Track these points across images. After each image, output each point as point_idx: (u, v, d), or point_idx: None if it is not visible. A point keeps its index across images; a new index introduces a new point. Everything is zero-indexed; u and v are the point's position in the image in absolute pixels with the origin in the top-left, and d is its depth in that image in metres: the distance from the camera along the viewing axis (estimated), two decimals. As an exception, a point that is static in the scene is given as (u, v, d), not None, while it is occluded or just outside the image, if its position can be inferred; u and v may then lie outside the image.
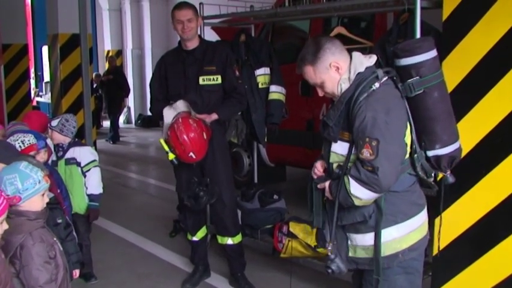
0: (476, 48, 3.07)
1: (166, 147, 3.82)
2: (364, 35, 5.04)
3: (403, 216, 2.53)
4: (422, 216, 2.62)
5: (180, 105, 3.90)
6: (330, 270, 2.58)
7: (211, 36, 5.57)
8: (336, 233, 2.65)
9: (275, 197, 4.73)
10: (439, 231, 2.98)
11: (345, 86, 2.52)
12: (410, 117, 2.52)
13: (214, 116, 3.95)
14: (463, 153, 3.12)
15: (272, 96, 4.76)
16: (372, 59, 2.56)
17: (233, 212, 4.27)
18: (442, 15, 3.20)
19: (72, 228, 3.34)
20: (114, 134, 11.96)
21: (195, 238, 4.33)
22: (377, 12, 4.80)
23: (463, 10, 3.10)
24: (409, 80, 2.48)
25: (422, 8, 3.24)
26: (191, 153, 3.74)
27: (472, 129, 3.12)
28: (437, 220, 3.28)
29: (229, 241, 4.21)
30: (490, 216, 3.11)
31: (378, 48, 3.78)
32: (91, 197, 4.33)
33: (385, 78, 2.47)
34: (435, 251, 3.34)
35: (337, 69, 2.52)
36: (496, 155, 3.05)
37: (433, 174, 2.62)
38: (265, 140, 4.91)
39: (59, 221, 3.19)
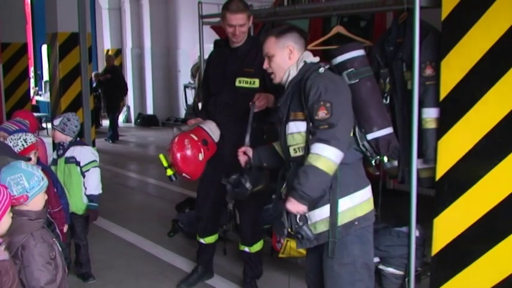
0: (476, 48, 3.06)
1: (165, 163, 3.66)
2: (364, 34, 5.02)
3: (355, 187, 2.82)
4: (369, 191, 2.90)
5: (210, 126, 3.83)
6: (299, 236, 2.79)
7: (209, 34, 5.57)
8: (292, 218, 2.83)
9: (273, 196, 4.70)
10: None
11: (293, 72, 2.86)
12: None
13: (271, 97, 3.64)
14: (462, 153, 3.14)
15: (271, 95, 4.73)
16: (316, 59, 2.92)
17: (253, 222, 4.14)
18: (441, 14, 3.19)
19: (55, 226, 3.32)
20: (113, 133, 11.94)
21: (202, 241, 4.27)
22: (376, 11, 4.79)
23: (462, 9, 3.09)
24: (347, 70, 2.95)
25: (421, 8, 3.23)
26: (184, 174, 3.63)
27: (472, 128, 3.11)
28: (437, 220, 3.29)
29: (246, 249, 4.17)
30: (489, 216, 3.10)
31: (377, 47, 3.77)
32: (90, 198, 4.29)
33: (326, 67, 2.84)
34: (434, 251, 3.33)
35: (290, 52, 2.87)
36: (496, 155, 3.04)
37: (373, 162, 3.00)
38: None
39: None
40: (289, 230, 2.84)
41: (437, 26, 3.31)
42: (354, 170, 2.84)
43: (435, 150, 3.29)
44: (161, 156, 3.69)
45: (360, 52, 3.04)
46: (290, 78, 2.87)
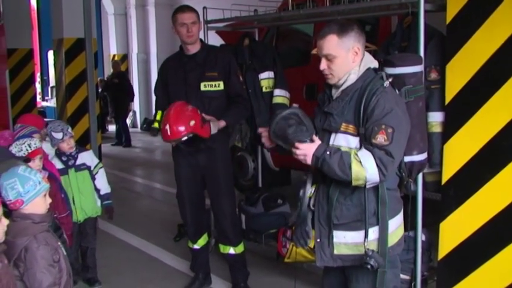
0: (480, 52, 3.05)
1: (159, 117, 3.85)
2: (368, 38, 4.99)
3: (393, 212, 2.67)
4: (402, 214, 2.77)
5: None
6: (369, 266, 2.56)
7: (215, 40, 5.58)
8: (320, 231, 2.70)
9: (279, 201, 4.71)
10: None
11: (353, 77, 2.62)
12: None
13: (223, 123, 3.85)
14: (468, 157, 3.13)
15: (276, 100, 4.74)
16: (375, 63, 2.71)
17: (234, 222, 4.19)
18: (445, 18, 3.19)
19: (63, 231, 3.34)
20: (126, 138, 12.01)
21: (196, 246, 4.27)
22: (381, 15, 4.79)
23: (466, 13, 3.09)
24: (405, 87, 2.71)
25: (426, 11, 3.22)
26: (167, 126, 3.61)
27: (476, 133, 3.10)
28: (443, 224, 3.27)
29: (231, 251, 4.15)
30: (495, 221, 3.08)
31: (382, 51, 3.77)
32: (106, 196, 4.43)
33: (390, 80, 2.61)
34: (440, 256, 3.32)
35: (355, 54, 2.61)
36: (500, 160, 3.03)
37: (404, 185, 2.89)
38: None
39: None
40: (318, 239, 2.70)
41: (442, 30, 3.31)
42: (394, 195, 2.70)
43: (441, 154, 3.28)
44: (159, 112, 3.88)
45: (420, 68, 2.89)
46: (349, 83, 2.62)
